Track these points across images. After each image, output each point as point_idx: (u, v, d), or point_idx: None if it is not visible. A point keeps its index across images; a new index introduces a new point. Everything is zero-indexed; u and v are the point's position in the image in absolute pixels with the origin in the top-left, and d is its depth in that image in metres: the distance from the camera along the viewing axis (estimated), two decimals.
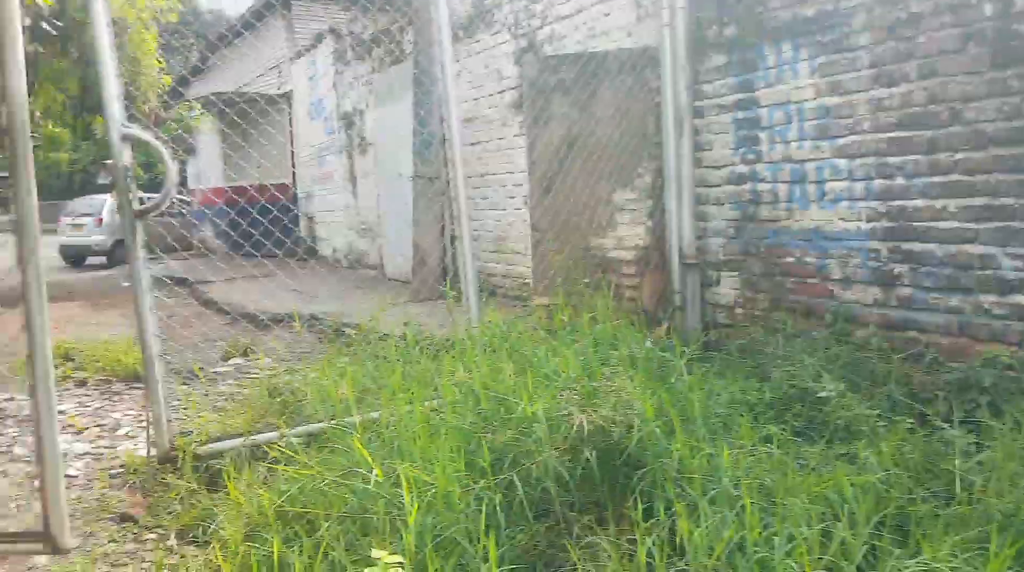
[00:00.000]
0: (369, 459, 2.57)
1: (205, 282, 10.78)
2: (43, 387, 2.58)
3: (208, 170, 17.38)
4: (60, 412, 4.73)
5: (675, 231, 5.20)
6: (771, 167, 4.65)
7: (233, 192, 16.15)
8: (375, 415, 3.34)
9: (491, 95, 7.75)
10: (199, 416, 4.09)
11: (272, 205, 13.17)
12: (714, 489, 2.39)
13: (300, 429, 3.53)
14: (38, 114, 12.17)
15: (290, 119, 14.05)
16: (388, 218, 10.45)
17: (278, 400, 3.97)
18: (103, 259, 16.89)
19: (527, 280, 7.32)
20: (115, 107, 3.15)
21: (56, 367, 5.87)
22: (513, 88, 7.30)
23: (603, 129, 5.37)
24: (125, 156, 3.17)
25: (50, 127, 15.96)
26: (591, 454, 2.52)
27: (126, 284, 13.14)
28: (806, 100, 4.36)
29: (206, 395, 4.74)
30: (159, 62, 10.59)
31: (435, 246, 8.09)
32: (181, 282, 9.90)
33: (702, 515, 2.25)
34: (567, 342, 3.82)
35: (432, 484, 2.42)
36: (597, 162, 5.38)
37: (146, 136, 3.24)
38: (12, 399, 5.05)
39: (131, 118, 3.18)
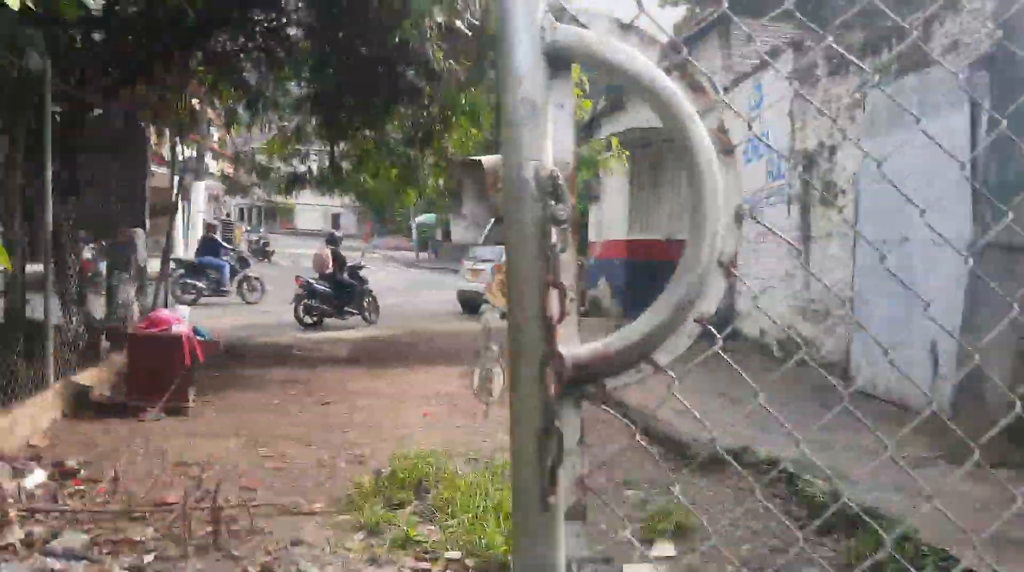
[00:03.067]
0: None
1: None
2: None
3: (611, 220, 15.58)
4: None
5: None
6: None
7: (636, 246, 14.02)
8: None
9: None
10: None
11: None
12: None
13: None
14: (451, 150, 10.61)
15: None
16: (870, 301, 7.06)
17: None
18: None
19: None
20: None
21: (388, 518, 3.57)
22: None
23: None
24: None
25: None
26: None
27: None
28: None
29: None
30: (579, 90, 8.48)
31: (1013, 370, 4.54)
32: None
33: None
34: None
35: None
36: None
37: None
38: None
39: None
